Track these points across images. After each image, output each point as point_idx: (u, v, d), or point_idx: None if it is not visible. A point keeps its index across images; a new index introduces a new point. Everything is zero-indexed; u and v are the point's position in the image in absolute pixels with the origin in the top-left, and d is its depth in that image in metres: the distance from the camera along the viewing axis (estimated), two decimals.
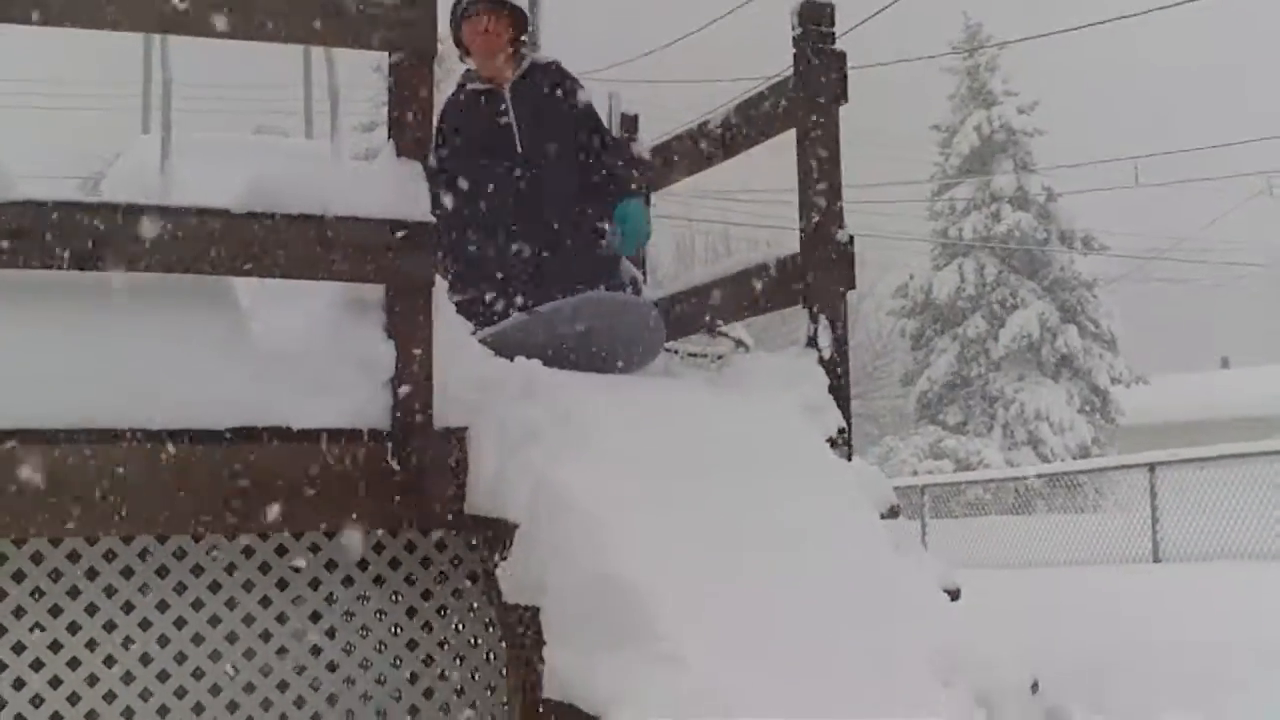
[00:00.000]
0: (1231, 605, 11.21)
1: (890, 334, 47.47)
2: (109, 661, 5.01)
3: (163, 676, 5.08)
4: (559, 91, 6.76)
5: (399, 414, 5.04)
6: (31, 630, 4.94)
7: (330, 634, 5.31)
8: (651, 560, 4.46)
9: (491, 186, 6.50)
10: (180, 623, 5.11)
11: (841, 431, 5.84)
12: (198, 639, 5.13)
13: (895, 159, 48.63)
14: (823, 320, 6.02)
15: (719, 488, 4.94)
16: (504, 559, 4.80)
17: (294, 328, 5.19)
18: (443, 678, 5.48)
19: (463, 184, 6.48)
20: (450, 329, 5.35)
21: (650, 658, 4.16)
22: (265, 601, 5.23)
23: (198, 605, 5.14)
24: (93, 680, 4.99)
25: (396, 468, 5.03)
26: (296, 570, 5.27)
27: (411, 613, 5.45)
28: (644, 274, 7.50)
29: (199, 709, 5.11)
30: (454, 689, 5.49)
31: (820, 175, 6.11)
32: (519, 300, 6.24)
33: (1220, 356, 58.84)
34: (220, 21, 4.93)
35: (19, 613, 4.94)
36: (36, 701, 4.92)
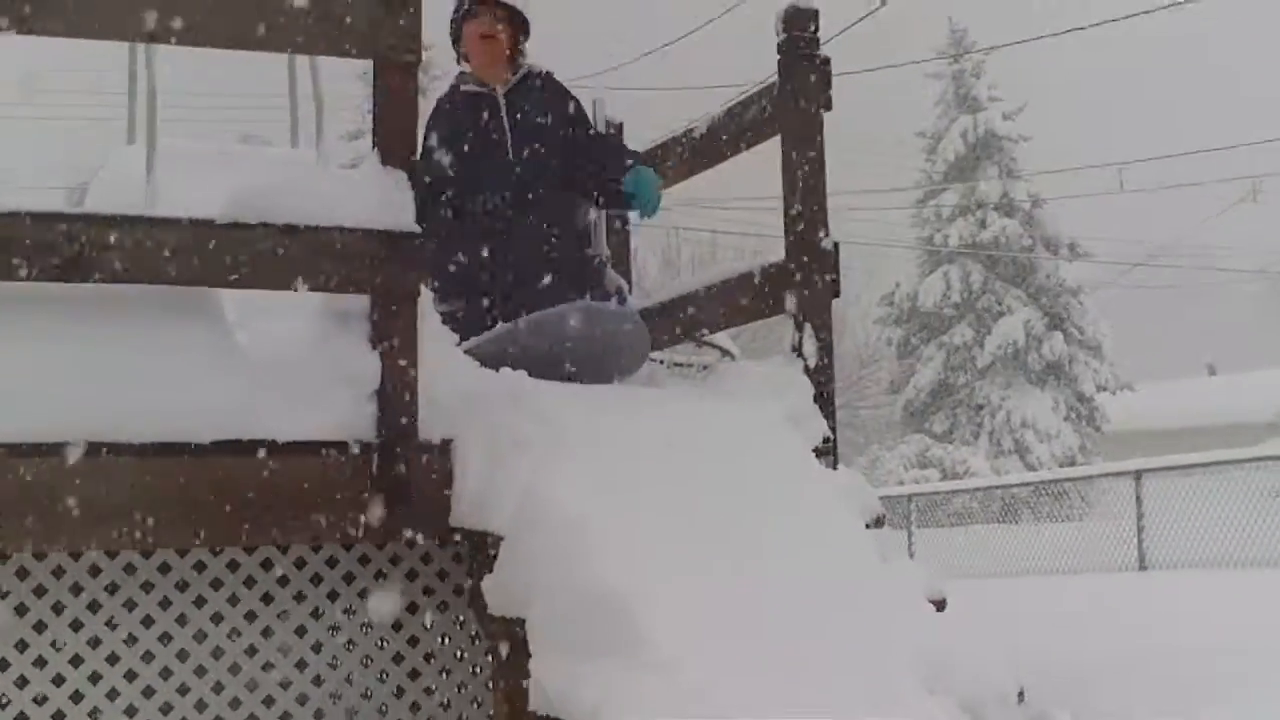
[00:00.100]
0: (1217, 612, 11.24)
1: (876, 342, 47.55)
2: (94, 678, 4.98)
3: (148, 692, 5.05)
4: (552, 100, 6.76)
5: (384, 425, 5.03)
6: (16, 647, 4.92)
7: (316, 647, 5.29)
8: (638, 570, 4.45)
9: (480, 192, 6.49)
10: (165, 638, 5.09)
11: (827, 440, 5.84)
12: (183, 654, 5.11)
13: (880, 166, 48.75)
14: (808, 328, 6.02)
15: (704, 497, 4.94)
16: (490, 570, 4.79)
17: (280, 339, 5.17)
18: (429, 691, 5.46)
19: (451, 189, 6.47)
20: (436, 339, 5.33)
21: (637, 667, 4.15)
22: (250, 615, 5.21)
23: (183, 620, 5.12)
24: (77, 697, 4.96)
25: (382, 479, 5.01)
26: (282, 583, 5.26)
27: (397, 626, 5.43)
28: (629, 283, 7.50)
29: None
30: (440, 702, 5.47)
31: (805, 182, 6.11)
32: (505, 310, 6.23)
33: (1206, 363, 58.95)
34: (201, 31, 4.92)
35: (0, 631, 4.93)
36: (20, 718, 4.89)
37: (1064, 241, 42.89)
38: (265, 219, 4.87)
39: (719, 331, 7.49)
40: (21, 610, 4.93)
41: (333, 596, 5.33)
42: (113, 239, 4.69)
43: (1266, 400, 45.93)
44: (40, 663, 4.93)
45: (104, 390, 4.69)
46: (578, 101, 6.89)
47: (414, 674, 5.44)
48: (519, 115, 6.64)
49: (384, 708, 5.40)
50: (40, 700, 4.92)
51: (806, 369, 5.98)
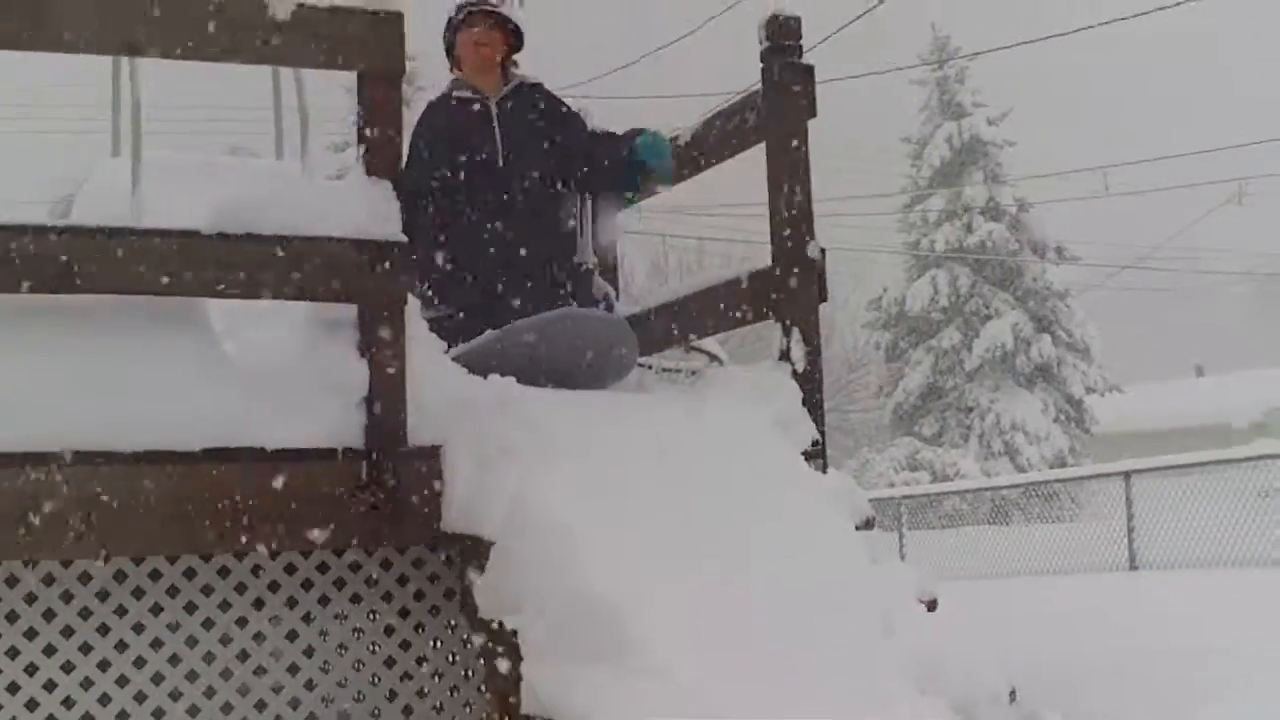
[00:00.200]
0: (1208, 612, 11.25)
1: (864, 347, 47.57)
2: (85, 684, 4.99)
3: (140, 698, 5.06)
4: (544, 110, 6.77)
5: (373, 432, 5.04)
6: (7, 654, 4.93)
7: (308, 653, 5.30)
8: (628, 574, 4.47)
9: (469, 198, 6.51)
10: (157, 644, 5.10)
11: (816, 444, 5.85)
12: (174, 660, 5.12)
13: (866, 172, 48.82)
14: (795, 333, 6.04)
15: (694, 501, 4.96)
16: (481, 575, 4.81)
17: (267, 348, 5.19)
18: (421, 695, 5.47)
19: (439, 195, 6.49)
20: (424, 347, 5.35)
21: (628, 671, 4.17)
22: (242, 621, 5.22)
23: (174, 626, 5.13)
24: (69, 703, 4.97)
25: (372, 486, 5.03)
26: (273, 589, 5.27)
27: (389, 630, 5.44)
28: (617, 290, 7.52)
29: None
30: (432, 706, 5.48)
31: (791, 189, 6.13)
32: (493, 317, 6.24)
33: (1194, 365, 59.04)
34: (186, 44, 4.94)
35: None
36: None
37: (1051, 245, 42.92)
38: (251, 230, 4.88)
39: (707, 337, 7.50)
40: (12, 618, 4.94)
41: (324, 601, 5.33)
42: (99, 251, 4.70)
43: (1254, 401, 46.08)
44: (31, 669, 4.94)
45: (93, 400, 4.70)
46: (569, 107, 6.92)
47: (406, 678, 5.45)
48: (510, 123, 6.66)
49: (376, 711, 5.40)
50: (32, 706, 4.93)
51: (794, 373, 6.00)
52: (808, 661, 4.42)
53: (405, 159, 6.14)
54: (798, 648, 4.46)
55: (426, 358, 5.32)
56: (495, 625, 4.71)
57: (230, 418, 4.89)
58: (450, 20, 6.81)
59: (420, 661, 5.48)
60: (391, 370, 5.05)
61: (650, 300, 7.44)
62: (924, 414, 42.43)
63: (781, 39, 6.17)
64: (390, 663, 5.43)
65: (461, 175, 6.53)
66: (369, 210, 5.03)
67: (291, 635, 5.29)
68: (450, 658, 5.55)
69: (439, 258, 6.47)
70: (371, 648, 5.44)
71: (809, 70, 6.21)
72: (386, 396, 5.05)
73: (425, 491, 5.10)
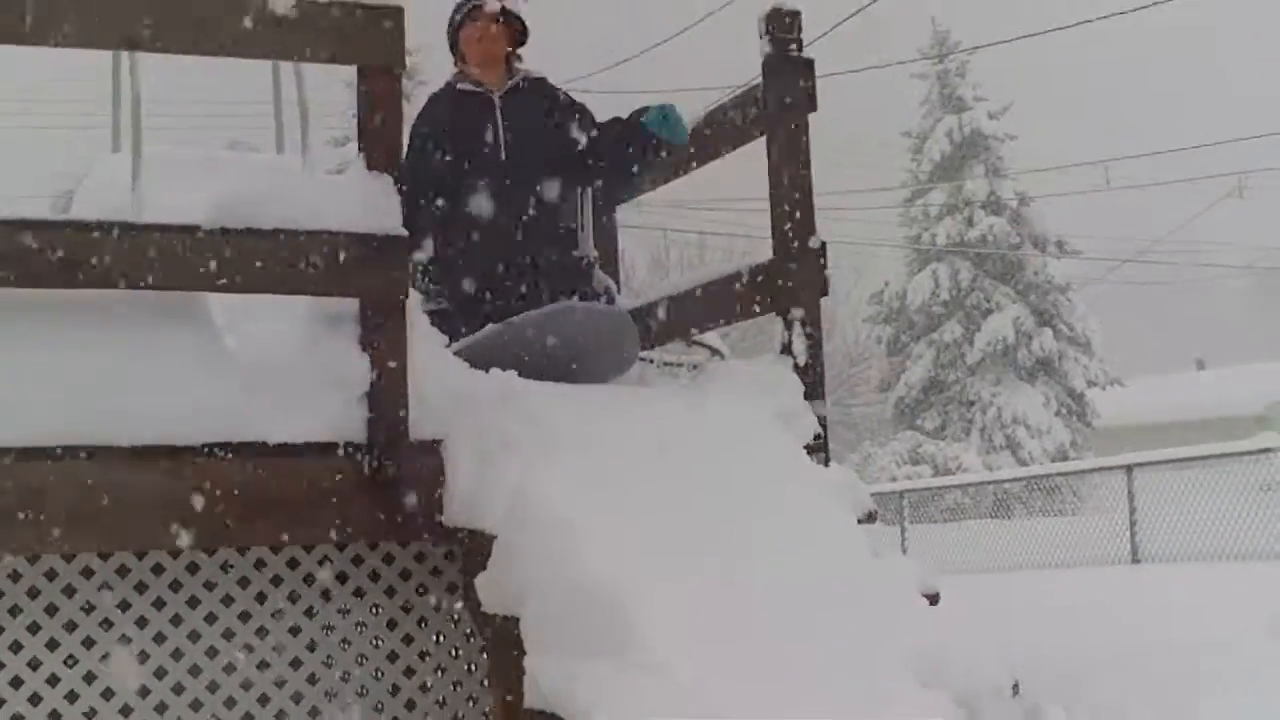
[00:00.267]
0: (1210, 606, 11.25)
1: (866, 341, 47.58)
2: (88, 678, 5.00)
3: (143, 692, 5.07)
4: (548, 105, 6.77)
5: (375, 427, 5.04)
6: (10, 648, 4.93)
7: (311, 647, 5.31)
8: (630, 568, 4.47)
9: (471, 191, 6.50)
10: (159, 638, 5.11)
11: (818, 437, 5.85)
12: (177, 654, 5.13)
13: (867, 166, 48.81)
14: (797, 327, 6.03)
15: (695, 496, 4.95)
16: (483, 569, 4.81)
17: (268, 342, 5.19)
18: (424, 689, 5.48)
19: (440, 188, 6.49)
20: (425, 341, 5.36)
21: (631, 665, 4.16)
22: (245, 615, 5.23)
23: (176, 620, 5.14)
24: (73, 697, 4.98)
25: (374, 480, 5.03)
26: (275, 584, 5.27)
27: (391, 625, 5.45)
28: (618, 284, 7.51)
29: None
30: (435, 700, 5.49)
31: (791, 182, 6.12)
32: (494, 311, 6.24)
33: (1195, 358, 59.01)
34: (185, 38, 4.94)
35: None
36: (17, 719, 4.92)
37: (1052, 239, 42.92)
38: (252, 225, 4.88)
39: (708, 331, 7.50)
40: (15, 612, 4.95)
41: (326, 596, 5.34)
42: (100, 245, 4.70)
43: (1255, 394, 46.03)
44: (34, 664, 4.95)
45: (95, 394, 4.71)
46: (574, 99, 6.90)
47: (409, 672, 5.46)
48: (513, 117, 6.65)
49: (379, 706, 5.41)
50: (35, 700, 4.94)
51: (796, 367, 6.00)
52: (809, 655, 4.41)
53: (406, 151, 6.14)
54: (799, 642, 4.45)
55: (428, 352, 5.32)
56: (497, 619, 4.71)
57: (231, 412, 4.89)
58: (454, 14, 6.81)
59: (423, 656, 5.49)
60: (393, 364, 5.05)
61: (651, 294, 7.44)
62: (926, 408, 42.44)
63: (782, 33, 6.17)
64: (393, 657, 5.44)
65: (463, 168, 6.52)
66: (369, 204, 5.03)
67: (294, 629, 5.29)
68: (453, 652, 5.56)
69: (440, 251, 6.46)
70: (374, 642, 5.44)
71: (809, 64, 6.20)
72: (388, 390, 5.05)
73: (427, 485, 5.10)
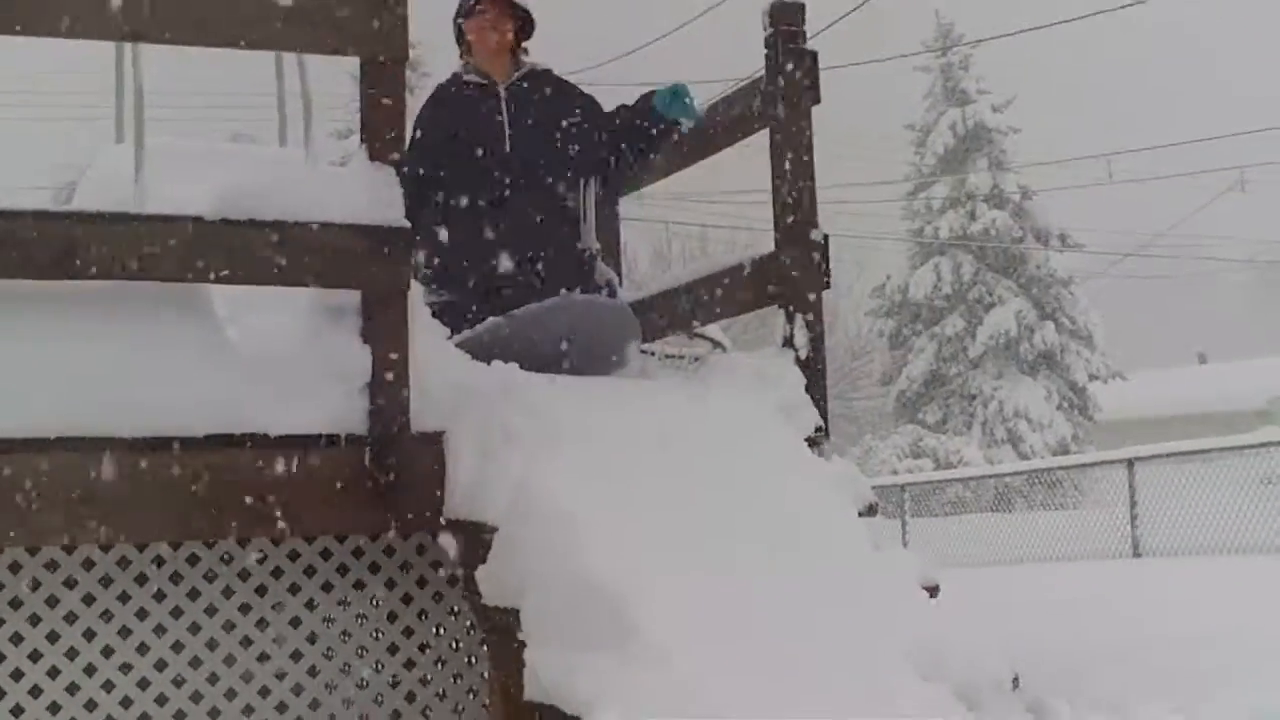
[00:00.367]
0: (1212, 600, 11.25)
1: (868, 334, 47.59)
2: (89, 670, 5.01)
3: (143, 684, 5.08)
4: (554, 96, 6.76)
5: (376, 419, 5.04)
6: (10, 640, 4.93)
7: (311, 639, 5.31)
8: (631, 560, 4.47)
9: (475, 183, 6.50)
10: (160, 630, 5.11)
11: (819, 430, 5.84)
12: (177, 646, 5.13)
13: (870, 159, 48.79)
14: (799, 320, 6.03)
15: (697, 488, 4.95)
16: (483, 562, 4.81)
17: (270, 334, 5.19)
18: (424, 681, 5.48)
19: (445, 179, 6.49)
20: (427, 333, 5.35)
21: (631, 658, 4.16)
22: (245, 608, 5.23)
23: (177, 613, 5.14)
24: (73, 689, 4.98)
25: (375, 472, 5.03)
26: (276, 575, 5.27)
27: (392, 617, 5.45)
28: (620, 276, 7.51)
29: (180, 715, 5.11)
30: (436, 692, 5.49)
31: (794, 175, 6.12)
32: (496, 303, 6.24)
33: (1197, 352, 59.02)
34: (188, 30, 4.93)
35: None
36: (17, 711, 4.91)
37: (1054, 232, 42.92)
38: (254, 216, 4.88)
39: (710, 324, 7.50)
40: (16, 604, 4.95)
41: (327, 588, 5.34)
42: (102, 236, 4.70)
43: (1257, 388, 46.03)
44: (35, 656, 4.95)
45: (97, 385, 4.71)
46: (580, 90, 6.90)
47: (410, 664, 5.46)
48: (518, 109, 6.65)
49: (379, 698, 5.41)
50: (35, 693, 4.94)
51: (798, 360, 5.99)
52: (811, 650, 4.41)
53: (410, 142, 6.14)
54: (799, 635, 4.45)
55: (430, 344, 5.31)
56: (499, 611, 4.71)
57: (233, 404, 4.89)
58: (460, 6, 6.80)
59: (423, 648, 5.49)
60: (394, 356, 5.05)
61: (653, 286, 7.44)
62: (927, 401, 42.44)
63: (786, 25, 6.16)
64: (394, 649, 5.44)
65: (468, 160, 6.52)
66: (372, 196, 5.03)
67: (295, 621, 5.29)
68: (454, 644, 5.56)
69: (443, 243, 6.46)
70: (375, 634, 5.45)
71: (813, 56, 6.19)
72: (389, 383, 5.04)
73: (428, 477, 5.10)
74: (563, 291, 6.26)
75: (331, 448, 4.99)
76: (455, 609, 5.52)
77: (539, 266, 6.42)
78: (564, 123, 6.69)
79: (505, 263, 6.39)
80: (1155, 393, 47.36)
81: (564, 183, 6.66)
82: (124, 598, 5.08)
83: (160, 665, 5.10)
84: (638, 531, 4.64)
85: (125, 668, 5.05)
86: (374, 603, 5.46)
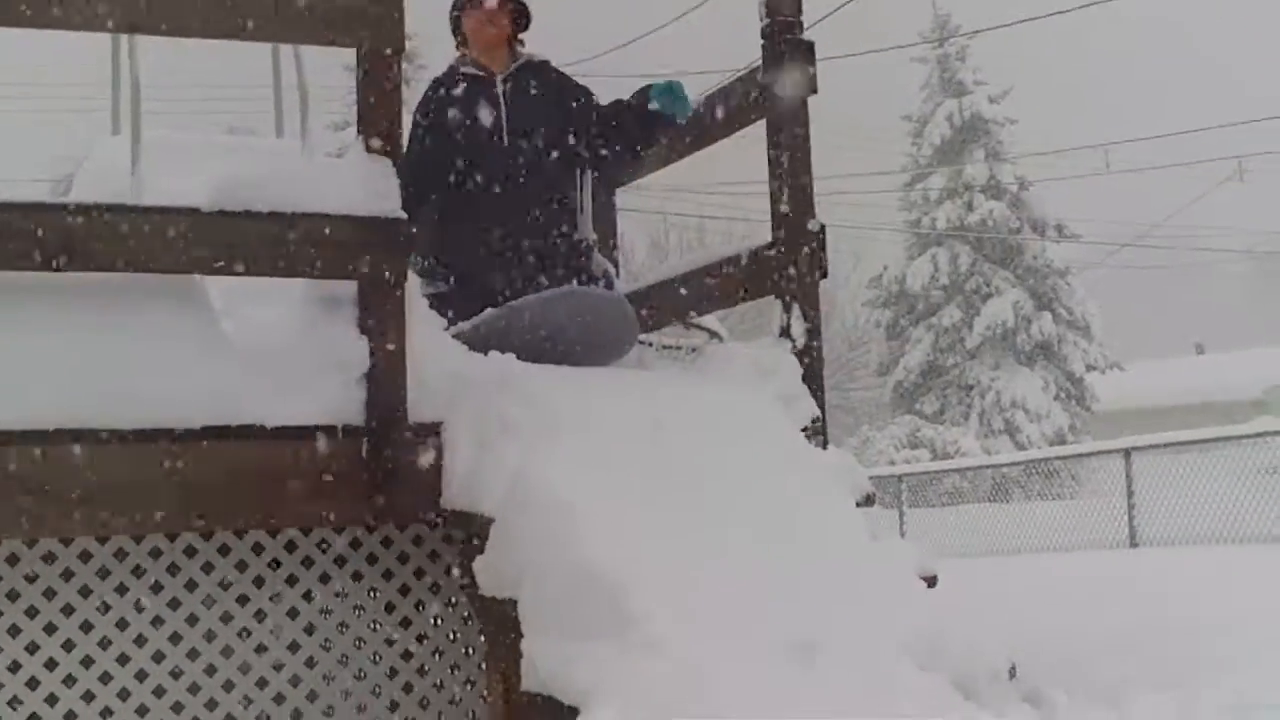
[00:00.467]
0: (1208, 589, 11.25)
1: (865, 325, 47.53)
2: (86, 662, 5.01)
3: (140, 676, 5.08)
4: (551, 88, 6.76)
5: (373, 410, 5.04)
6: (8, 632, 4.93)
7: (309, 630, 5.31)
8: (628, 550, 4.47)
9: (473, 174, 6.50)
10: (157, 621, 5.11)
11: (816, 420, 5.85)
12: (175, 638, 5.13)
13: (867, 150, 48.81)
14: (795, 310, 6.03)
15: (694, 478, 4.96)
16: (481, 552, 4.81)
17: (267, 325, 5.19)
18: (422, 672, 5.48)
19: (443, 170, 6.49)
20: (424, 323, 5.36)
21: (629, 647, 4.17)
22: (242, 599, 5.23)
23: (174, 604, 5.15)
24: (70, 681, 4.98)
25: (372, 463, 5.03)
26: (273, 567, 5.27)
27: (389, 608, 5.45)
28: (617, 267, 7.51)
29: (178, 708, 5.12)
30: (433, 683, 5.49)
31: (791, 166, 6.12)
32: (493, 294, 6.24)
33: (1194, 343, 59.02)
34: (186, 20, 4.93)
35: None
36: (15, 704, 4.91)
37: (1051, 223, 42.87)
38: (251, 208, 4.88)
39: (707, 314, 7.50)
40: (13, 596, 4.95)
41: (325, 579, 5.34)
42: (99, 228, 4.70)
43: (1254, 378, 46.05)
44: (32, 648, 4.95)
45: (93, 377, 4.71)
46: (576, 82, 6.90)
47: (407, 655, 5.47)
48: (516, 101, 6.65)
49: (377, 689, 5.41)
50: (33, 684, 4.94)
51: (794, 350, 6.00)
52: (808, 637, 4.41)
53: (408, 134, 6.14)
54: (797, 623, 4.46)
55: (427, 334, 5.32)
56: (496, 601, 4.71)
57: (231, 395, 4.89)
58: (456, 1, 6.81)
59: (421, 639, 5.49)
60: (391, 347, 5.05)
61: (650, 277, 7.44)
62: (924, 392, 42.42)
63: (782, 16, 6.16)
64: (391, 640, 5.44)
65: (465, 151, 6.52)
66: (368, 187, 5.03)
67: (292, 613, 5.30)
68: (451, 635, 5.56)
69: (440, 234, 6.46)
70: (372, 625, 5.45)
71: (809, 47, 6.20)
72: (386, 373, 5.05)
73: (426, 468, 5.11)
74: (560, 282, 6.27)
75: (328, 438, 4.99)
76: (453, 600, 5.52)
77: (536, 257, 6.42)
78: (561, 114, 6.69)
79: (502, 253, 6.39)
80: (1152, 383, 47.37)
81: (561, 174, 6.66)
82: (121, 589, 5.08)
83: (158, 657, 5.10)
84: (635, 521, 4.65)
85: (123, 659, 5.05)
86: (372, 594, 5.46)
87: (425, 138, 6.57)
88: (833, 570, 4.77)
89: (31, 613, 4.96)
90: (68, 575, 5.01)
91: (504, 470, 4.86)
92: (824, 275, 6.12)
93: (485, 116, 6.58)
